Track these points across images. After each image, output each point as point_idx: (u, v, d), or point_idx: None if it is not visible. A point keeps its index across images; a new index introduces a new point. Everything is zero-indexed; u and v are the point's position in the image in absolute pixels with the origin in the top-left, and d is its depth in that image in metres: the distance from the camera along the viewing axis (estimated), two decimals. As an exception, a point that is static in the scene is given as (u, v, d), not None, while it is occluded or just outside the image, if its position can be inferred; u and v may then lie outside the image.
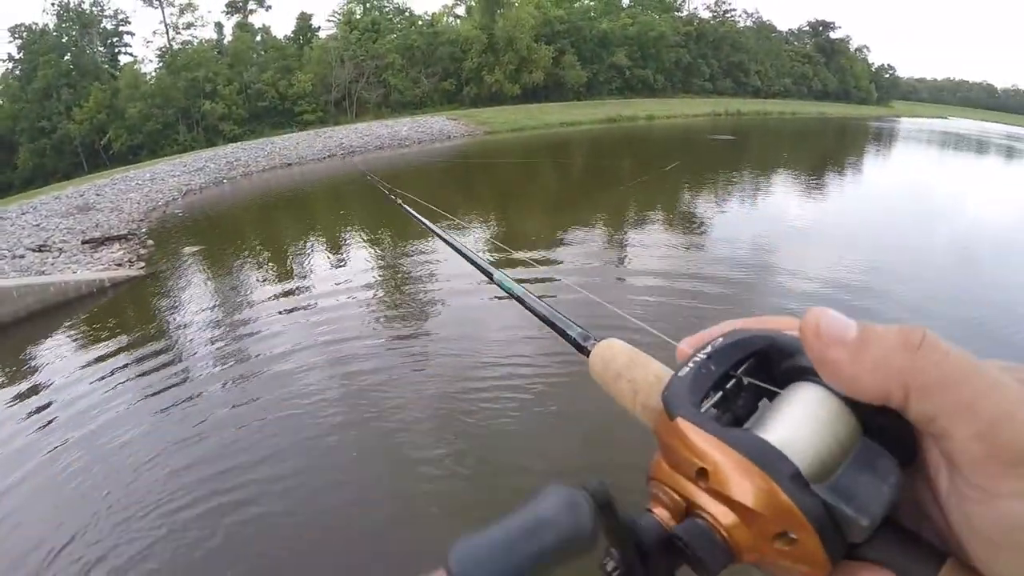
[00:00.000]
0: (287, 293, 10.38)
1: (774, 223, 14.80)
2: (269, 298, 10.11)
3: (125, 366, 7.64)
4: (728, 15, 76.10)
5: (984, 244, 14.09)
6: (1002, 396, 0.32)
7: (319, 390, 6.78)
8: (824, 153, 34.32)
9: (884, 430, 0.37)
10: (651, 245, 12.32)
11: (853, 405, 0.37)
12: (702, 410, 0.40)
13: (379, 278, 11.13)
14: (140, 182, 22.89)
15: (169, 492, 5.05)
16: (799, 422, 0.37)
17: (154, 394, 6.83)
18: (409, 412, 6.34)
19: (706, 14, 74.76)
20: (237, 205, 20.57)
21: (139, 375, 7.35)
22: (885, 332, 0.36)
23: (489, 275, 1.05)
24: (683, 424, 0.39)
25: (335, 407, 6.42)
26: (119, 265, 11.90)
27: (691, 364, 0.43)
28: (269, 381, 7.07)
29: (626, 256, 11.88)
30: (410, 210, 1.62)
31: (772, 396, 0.41)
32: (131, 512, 4.88)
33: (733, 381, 0.42)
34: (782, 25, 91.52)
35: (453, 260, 11.23)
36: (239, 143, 37.37)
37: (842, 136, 46.24)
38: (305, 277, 11.46)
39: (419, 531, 4.68)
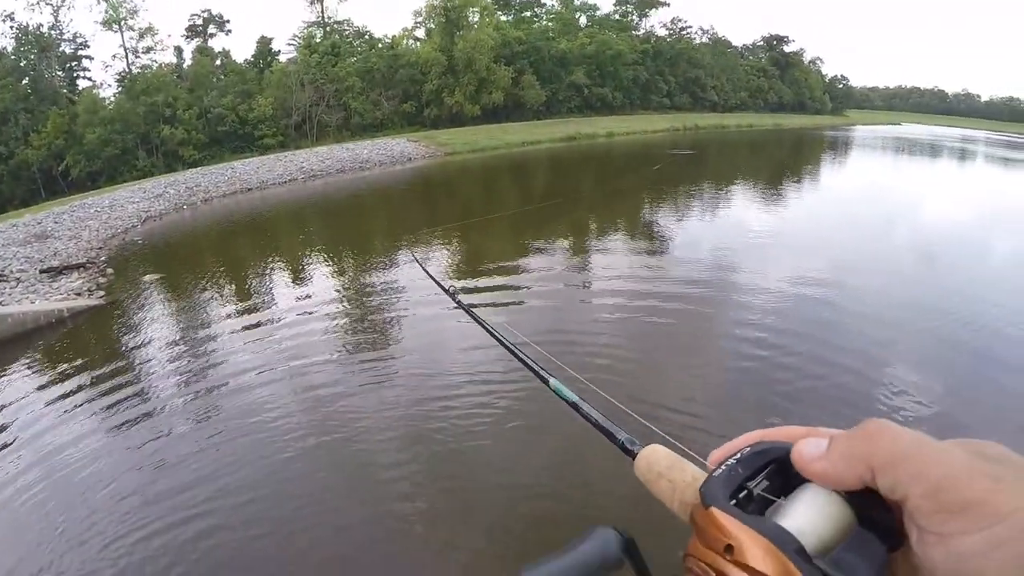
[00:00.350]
0: (248, 318, 10.57)
1: (741, 232, 15.85)
2: (231, 324, 10.33)
3: (85, 397, 7.74)
4: (684, 32, 77.92)
5: (935, 240, 15.33)
6: (943, 462, 0.42)
7: (282, 412, 7.03)
8: (782, 163, 35.64)
9: (875, 522, 0.47)
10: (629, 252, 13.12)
11: (850, 501, 0.48)
12: (731, 503, 0.50)
13: (340, 299, 11.50)
14: (99, 209, 22.75)
15: (128, 520, 5.23)
16: (805, 512, 0.48)
17: (115, 424, 7.01)
18: (374, 428, 6.64)
19: (662, 31, 76.56)
20: (198, 231, 20.71)
21: (99, 406, 7.48)
22: (847, 433, 0.48)
23: (545, 381, 1.12)
24: (715, 511, 0.50)
25: (299, 428, 6.69)
26: (78, 295, 11.95)
27: (724, 467, 0.54)
28: (231, 406, 7.30)
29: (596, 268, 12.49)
30: (480, 320, 1.64)
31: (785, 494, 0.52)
32: (88, 538, 5.07)
33: (745, 492, 0.52)
34: (737, 40, 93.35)
35: (413, 279, 11.79)
36: (199, 168, 37.20)
37: (799, 146, 47.76)
38: (267, 302, 11.71)
39: (390, 544, 5.00)
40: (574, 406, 0.98)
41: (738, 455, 0.55)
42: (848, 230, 16.11)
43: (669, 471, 0.66)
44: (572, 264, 13.01)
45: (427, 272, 3.20)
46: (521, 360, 1.26)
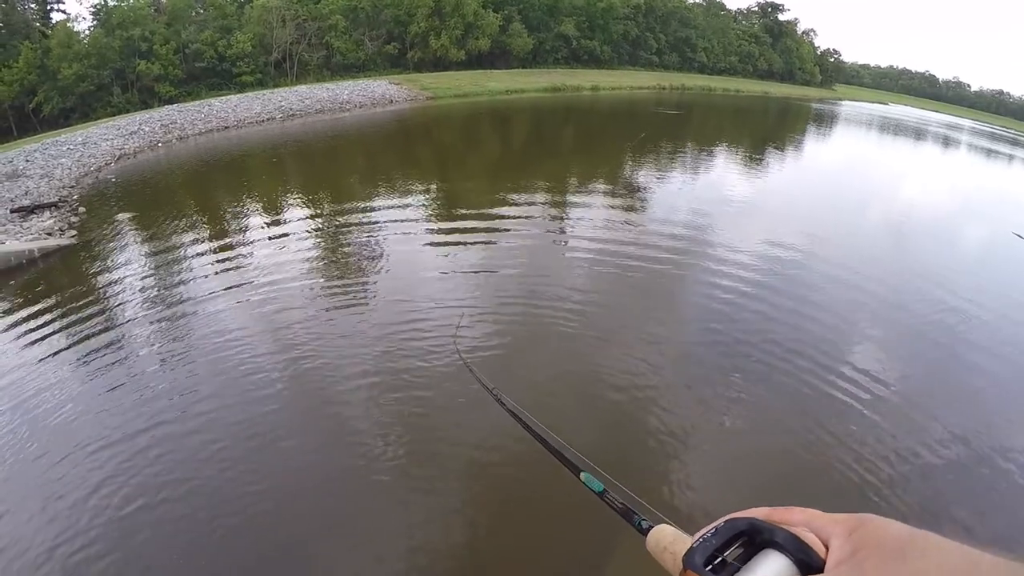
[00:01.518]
0: (222, 260, 10.68)
1: (722, 197, 16.32)
2: (202, 265, 10.47)
3: (55, 337, 7.85)
4: (679, -10, 76.65)
5: (904, 221, 16.03)
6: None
7: (251, 353, 7.31)
8: (767, 132, 36.00)
9: None
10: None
11: (798, 564, 0.63)
12: (708, 568, 0.66)
13: (316, 241, 11.67)
14: (72, 147, 22.43)
15: (95, 455, 5.48)
16: (760, 573, 0.63)
17: (84, 362, 7.24)
18: (344, 365, 6.99)
19: (656, -12, 75.11)
20: (172, 170, 20.46)
21: (70, 346, 7.64)
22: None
23: (577, 472, 1.27)
24: (691, 574, 0.66)
25: (269, 369, 6.95)
26: (49, 234, 11.96)
27: (702, 538, 0.69)
28: (200, 344, 7.56)
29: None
30: (524, 419, 1.70)
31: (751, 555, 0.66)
32: (59, 467, 5.36)
33: (721, 559, 0.67)
34: (732, 4, 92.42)
35: (389, 223, 12.36)
36: (175, 105, 36.49)
37: (784, 116, 47.87)
38: (239, 244, 11.74)
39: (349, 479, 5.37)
40: (600, 495, 1.13)
41: (714, 529, 0.69)
42: (827, 204, 16.59)
43: (672, 545, 0.81)
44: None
45: (473, 372, 3.29)
46: (555, 453, 1.38)
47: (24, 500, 5.00)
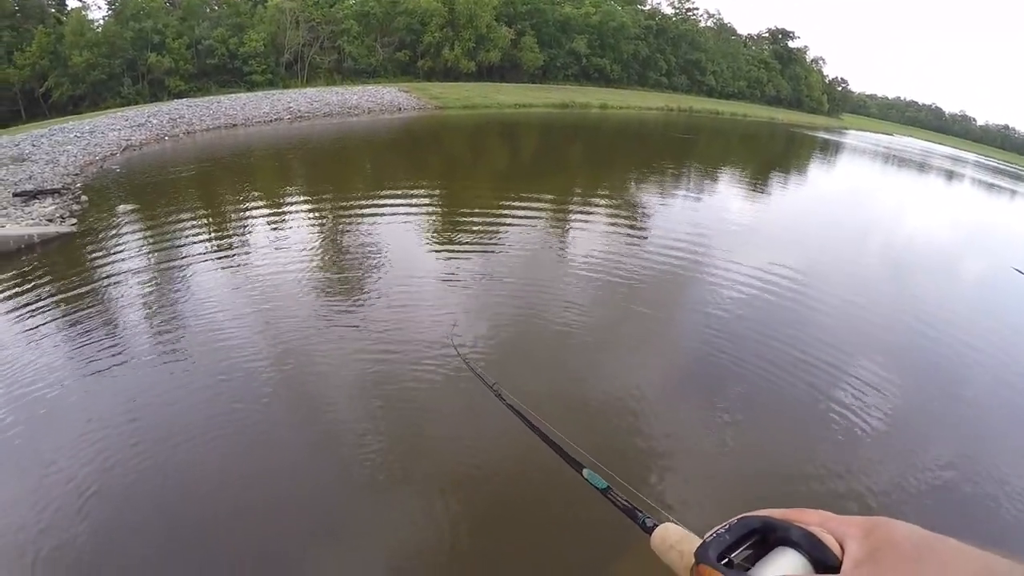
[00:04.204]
0: (221, 257, 10.57)
1: (726, 219, 16.21)
2: (201, 260, 10.35)
3: (49, 324, 7.76)
4: (690, 13, 77.24)
5: (906, 253, 16.09)
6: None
7: (249, 347, 7.21)
8: (774, 159, 36.17)
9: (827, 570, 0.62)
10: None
11: (811, 559, 0.64)
12: (720, 562, 0.66)
13: (317, 240, 11.65)
14: (79, 134, 22.33)
15: (88, 448, 5.33)
16: (775, 568, 0.64)
17: (76, 350, 7.11)
18: (337, 364, 6.90)
19: (668, 10, 75.90)
20: (178, 164, 20.34)
21: (64, 334, 7.55)
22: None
23: (579, 469, 1.24)
24: (704, 568, 0.66)
25: (266, 370, 6.80)
26: (50, 220, 11.83)
27: (715, 534, 0.69)
28: (196, 343, 7.39)
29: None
30: (525, 414, 1.62)
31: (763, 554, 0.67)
32: (39, 453, 5.26)
33: (736, 554, 0.67)
34: (742, 29, 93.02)
35: (394, 226, 12.42)
36: (184, 100, 36.54)
37: (791, 144, 47.92)
38: (243, 241, 11.67)
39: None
40: (604, 492, 1.11)
41: (727, 526, 0.69)
42: (830, 233, 16.61)
43: (679, 543, 0.80)
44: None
45: (472, 368, 3.24)
46: (556, 449, 1.36)
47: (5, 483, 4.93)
